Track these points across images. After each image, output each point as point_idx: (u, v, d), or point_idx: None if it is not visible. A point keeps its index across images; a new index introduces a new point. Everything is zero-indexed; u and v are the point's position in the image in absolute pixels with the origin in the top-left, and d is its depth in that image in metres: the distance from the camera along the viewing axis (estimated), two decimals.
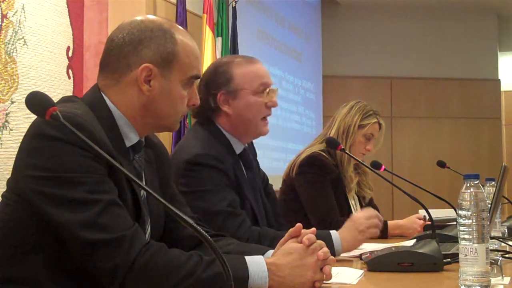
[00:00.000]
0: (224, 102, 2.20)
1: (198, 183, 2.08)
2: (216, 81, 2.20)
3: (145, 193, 1.61)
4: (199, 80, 1.70)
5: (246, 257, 1.48)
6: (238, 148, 2.25)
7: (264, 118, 2.24)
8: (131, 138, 1.60)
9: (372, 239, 2.26)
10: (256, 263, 1.47)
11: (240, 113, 2.20)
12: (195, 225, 1.16)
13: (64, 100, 1.58)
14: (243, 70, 2.22)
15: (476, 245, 1.38)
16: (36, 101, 1.34)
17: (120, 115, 1.58)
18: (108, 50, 1.61)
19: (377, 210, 3.22)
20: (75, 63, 3.40)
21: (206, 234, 1.14)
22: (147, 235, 1.60)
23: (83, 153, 1.42)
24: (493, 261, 1.54)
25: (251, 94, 2.20)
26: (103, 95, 1.59)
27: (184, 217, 1.18)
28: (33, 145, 1.43)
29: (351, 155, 2.62)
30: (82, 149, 1.41)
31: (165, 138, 4.33)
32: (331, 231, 2.11)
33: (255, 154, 2.44)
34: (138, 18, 1.63)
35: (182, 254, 1.43)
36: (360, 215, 2.19)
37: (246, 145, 2.32)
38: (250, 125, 2.23)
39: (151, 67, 1.57)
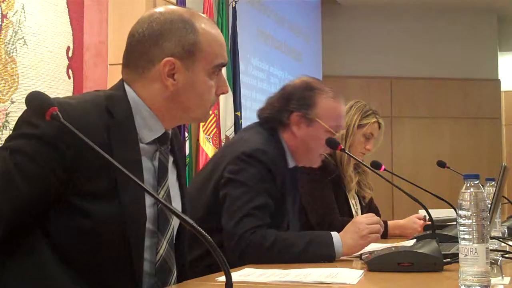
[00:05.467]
0: (296, 123, 2.26)
1: (242, 174, 2.12)
2: (298, 101, 2.26)
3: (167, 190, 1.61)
4: (225, 67, 1.67)
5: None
6: (291, 163, 2.31)
7: (321, 154, 2.35)
8: (156, 130, 1.58)
9: None
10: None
11: (305, 140, 2.28)
12: (196, 225, 1.15)
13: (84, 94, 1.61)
14: (328, 104, 2.28)
15: (476, 245, 1.37)
16: (36, 101, 1.34)
17: (145, 107, 1.57)
18: (129, 46, 1.60)
19: (377, 210, 3.23)
20: (75, 63, 3.39)
21: (206, 234, 1.13)
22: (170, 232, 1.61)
23: None
24: (493, 261, 1.53)
25: (323, 130, 2.27)
26: (126, 86, 1.58)
27: (186, 218, 1.17)
28: None
29: (351, 155, 2.62)
30: None
31: None
32: (332, 233, 2.10)
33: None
34: (158, 10, 1.60)
35: None
36: (362, 220, 2.14)
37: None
38: (309, 153, 2.32)
39: (174, 61, 1.55)
